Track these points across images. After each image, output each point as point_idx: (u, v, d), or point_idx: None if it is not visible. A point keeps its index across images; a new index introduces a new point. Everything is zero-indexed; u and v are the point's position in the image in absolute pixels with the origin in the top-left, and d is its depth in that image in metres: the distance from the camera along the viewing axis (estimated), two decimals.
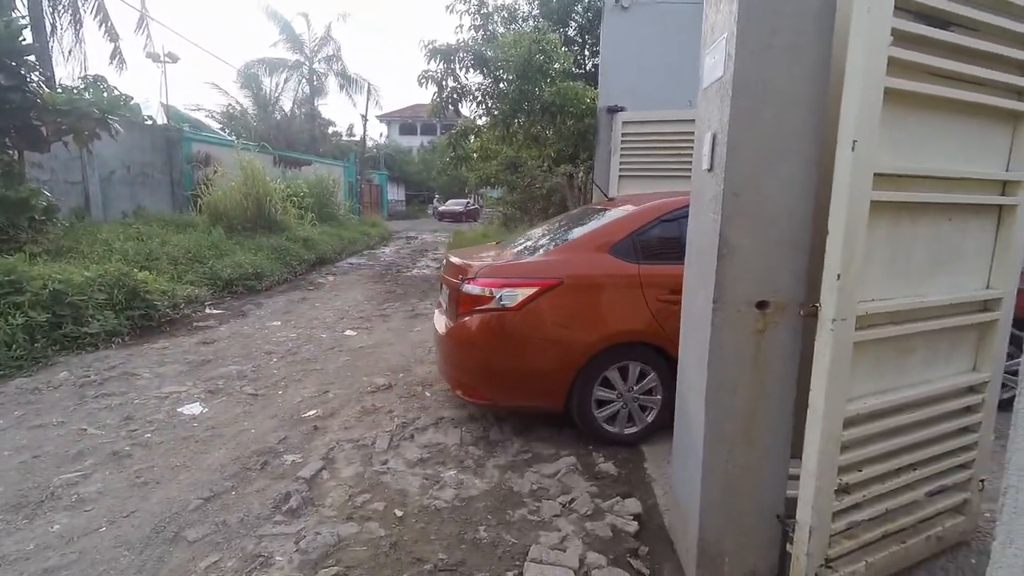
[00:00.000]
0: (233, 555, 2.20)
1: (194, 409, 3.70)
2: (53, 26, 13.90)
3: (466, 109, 9.22)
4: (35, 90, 7.35)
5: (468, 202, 31.69)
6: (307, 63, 26.54)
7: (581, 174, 10.97)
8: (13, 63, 7.01)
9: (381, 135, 42.84)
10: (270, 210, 10.56)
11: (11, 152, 7.32)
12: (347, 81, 27.43)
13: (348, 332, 5.84)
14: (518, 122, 8.43)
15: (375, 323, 6.29)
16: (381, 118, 41.62)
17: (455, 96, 8.32)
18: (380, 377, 4.39)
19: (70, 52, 14.85)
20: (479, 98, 8.42)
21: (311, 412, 3.67)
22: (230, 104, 24.88)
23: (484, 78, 8.33)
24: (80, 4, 14.38)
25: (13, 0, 8.22)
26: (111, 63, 15.84)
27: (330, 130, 29.93)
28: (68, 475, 2.80)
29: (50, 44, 13.46)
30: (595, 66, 11.49)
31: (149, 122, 13.80)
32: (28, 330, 4.61)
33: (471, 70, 8.25)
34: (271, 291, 8.02)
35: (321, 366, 4.69)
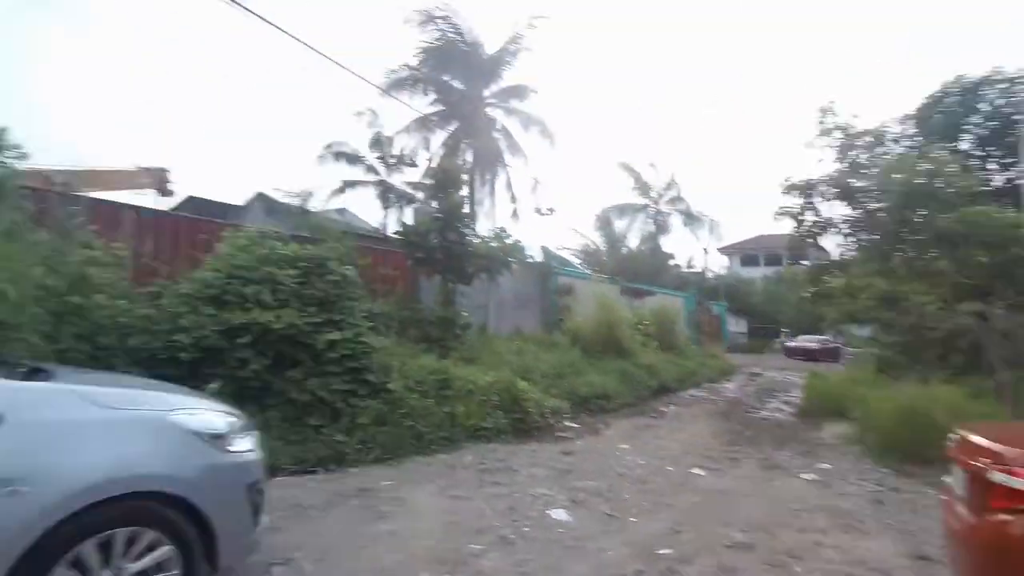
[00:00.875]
0: None
1: (560, 515, 4.02)
2: (477, 197, 19.54)
3: (829, 242, 8.44)
4: (468, 243, 10.21)
5: (826, 339, 27.52)
6: (653, 205, 29.34)
7: (1002, 314, 8.39)
8: (459, 226, 9.96)
9: (722, 267, 42.73)
10: (619, 336, 11.45)
11: (450, 286, 10.15)
12: (690, 219, 29.00)
13: (695, 471, 5.56)
14: (898, 254, 7.20)
15: (724, 466, 5.84)
16: (722, 250, 41.69)
17: (815, 230, 7.74)
18: (737, 532, 3.94)
19: (487, 212, 20.41)
20: (846, 231, 7.62)
21: (665, 550, 3.52)
22: (587, 243, 29.26)
23: (852, 209, 7.55)
24: (497, 179, 20.02)
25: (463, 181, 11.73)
26: (512, 217, 20.98)
27: (671, 262, 31.59)
28: (472, 546, 3.35)
29: (477, 208, 18.85)
30: (1010, 182, 9.10)
31: (530, 260, 17.36)
32: (451, 418, 5.99)
33: (834, 202, 7.63)
34: (618, 412, 8.45)
35: (671, 501, 4.55)
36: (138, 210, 8.43)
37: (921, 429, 6.01)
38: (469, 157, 20.58)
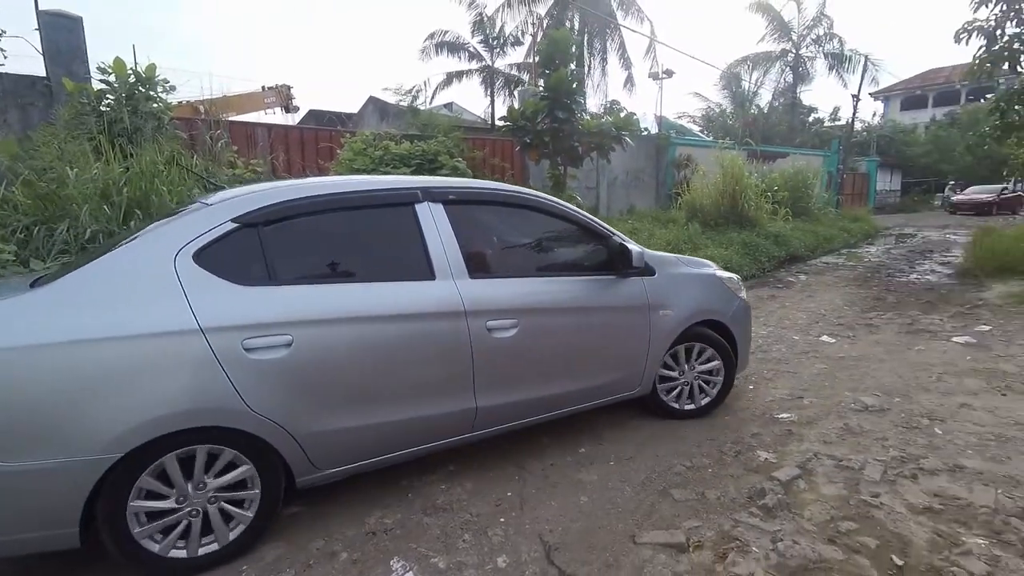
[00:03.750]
0: (711, 527, 2.35)
1: None
2: (588, 67, 18.07)
3: None
4: (578, 120, 9.70)
5: (1003, 188, 23.03)
6: (793, 50, 25.19)
7: None
8: (568, 102, 9.44)
9: (874, 114, 36.54)
10: (743, 205, 10.64)
11: (560, 168, 9.93)
12: (838, 61, 24.58)
13: (824, 338, 5.30)
14: None
15: (858, 332, 5.47)
16: (876, 95, 35.35)
17: (1016, 46, 6.14)
18: (868, 396, 3.79)
19: (598, 86, 19.00)
20: None
21: (784, 415, 3.52)
22: (709, 107, 26.41)
23: None
24: (608, 45, 18.20)
25: (572, 52, 10.86)
26: (624, 87, 19.40)
27: (811, 117, 27.70)
28: None
29: (585, 83, 17.59)
30: None
31: (645, 133, 16.20)
32: None
33: None
34: None
35: (794, 369, 4.44)
36: (269, 128, 9.20)
37: None
38: (577, 24, 18.89)
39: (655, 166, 15.49)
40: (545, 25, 18.29)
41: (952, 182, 28.41)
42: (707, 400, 3.52)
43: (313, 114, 18.38)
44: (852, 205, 21.09)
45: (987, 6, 6.04)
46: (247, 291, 2.10)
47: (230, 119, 8.99)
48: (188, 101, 8.72)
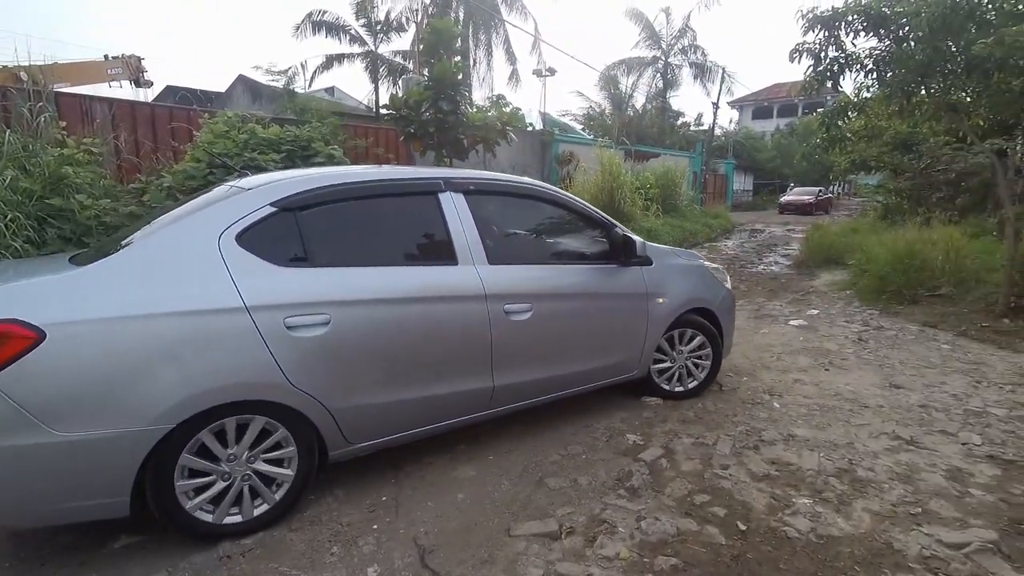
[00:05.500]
0: (583, 512, 2.44)
1: None
2: (474, 60, 18.04)
3: (849, 83, 7.76)
4: (463, 112, 9.64)
5: (820, 191, 26.68)
6: (663, 58, 27.13)
7: (1021, 149, 8.01)
8: (453, 93, 9.35)
9: (731, 121, 40.67)
10: (619, 201, 11.28)
11: (446, 160, 9.82)
12: (701, 71, 26.89)
13: None
14: (925, 90, 6.69)
15: None
16: (732, 104, 39.41)
17: (835, 68, 7.08)
18: (721, 377, 4.17)
19: (483, 79, 19.04)
20: (869, 67, 6.97)
21: (652, 399, 3.76)
22: (590, 106, 27.66)
23: (880, 41, 6.84)
24: (493, 39, 18.29)
25: (457, 44, 10.79)
26: (509, 82, 19.63)
27: (679, 121, 30.06)
28: None
29: (471, 75, 17.56)
30: None
31: (530, 129, 16.56)
32: None
33: (862, 34, 6.88)
34: None
35: None
36: (110, 103, 8.01)
37: (913, 270, 6.13)
38: (462, 15, 18.69)
39: (540, 162, 15.91)
40: (430, 13, 17.92)
41: (793, 184, 32.52)
42: (695, 383, 3.77)
43: (171, 90, 16.44)
44: (713, 203, 23.32)
45: (813, 31, 6.92)
46: (286, 271, 2.22)
47: (60, 90, 7.72)
48: (6, 66, 7.40)
